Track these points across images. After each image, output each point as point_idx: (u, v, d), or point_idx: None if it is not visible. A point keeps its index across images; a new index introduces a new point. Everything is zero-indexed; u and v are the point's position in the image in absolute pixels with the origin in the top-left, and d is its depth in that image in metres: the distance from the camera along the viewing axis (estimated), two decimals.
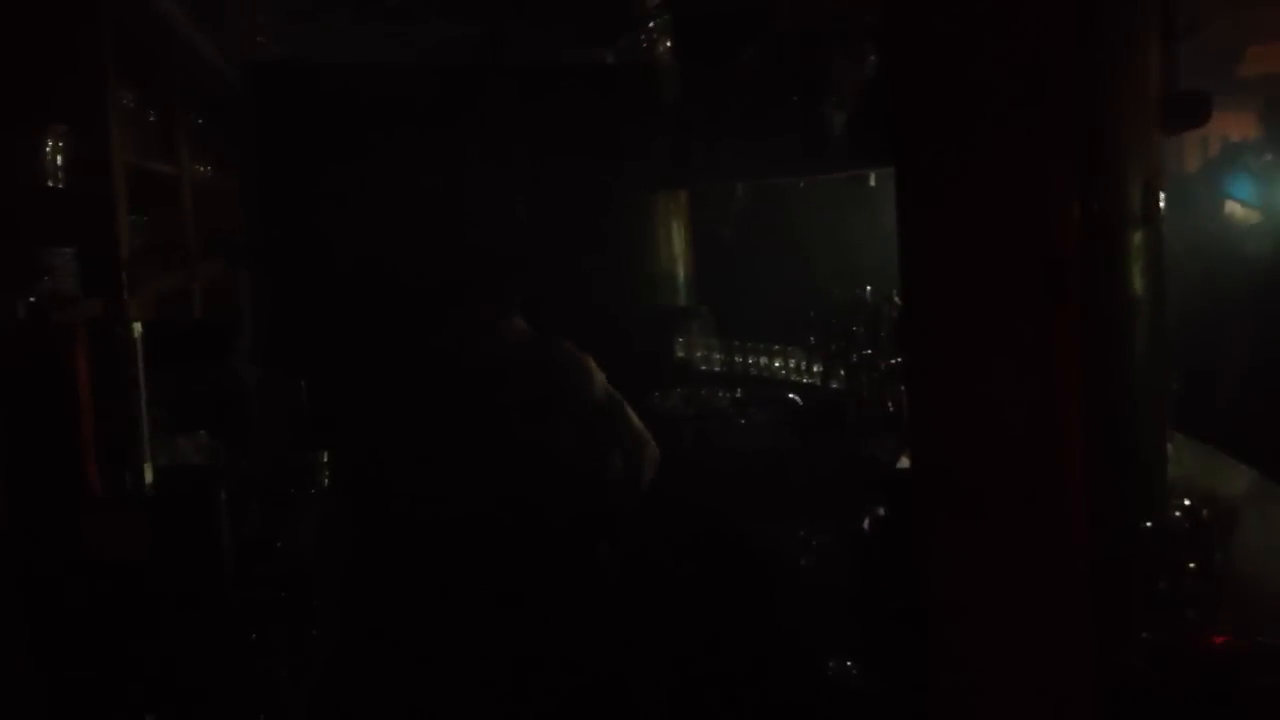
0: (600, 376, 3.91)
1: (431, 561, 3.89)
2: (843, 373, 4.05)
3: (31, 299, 2.40)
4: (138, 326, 2.68)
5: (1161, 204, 2.46)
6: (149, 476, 2.61)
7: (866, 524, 2.88)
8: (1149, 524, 2.41)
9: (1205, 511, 2.48)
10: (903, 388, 3.48)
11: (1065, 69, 1.30)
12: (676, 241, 5.02)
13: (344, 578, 3.68)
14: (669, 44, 4.81)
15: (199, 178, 3.96)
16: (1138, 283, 2.37)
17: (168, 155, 3.55)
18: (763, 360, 4.50)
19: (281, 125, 4.45)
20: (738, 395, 4.45)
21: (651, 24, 4.90)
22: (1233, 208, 4.47)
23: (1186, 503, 2.49)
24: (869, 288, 3.96)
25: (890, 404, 3.78)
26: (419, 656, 3.74)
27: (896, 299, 3.65)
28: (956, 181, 1.35)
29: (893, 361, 3.75)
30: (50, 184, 2.60)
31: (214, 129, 4.23)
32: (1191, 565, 2.39)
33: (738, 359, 4.59)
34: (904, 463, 3.16)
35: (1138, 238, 2.36)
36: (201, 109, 4.06)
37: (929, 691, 1.69)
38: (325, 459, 3.75)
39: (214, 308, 4.05)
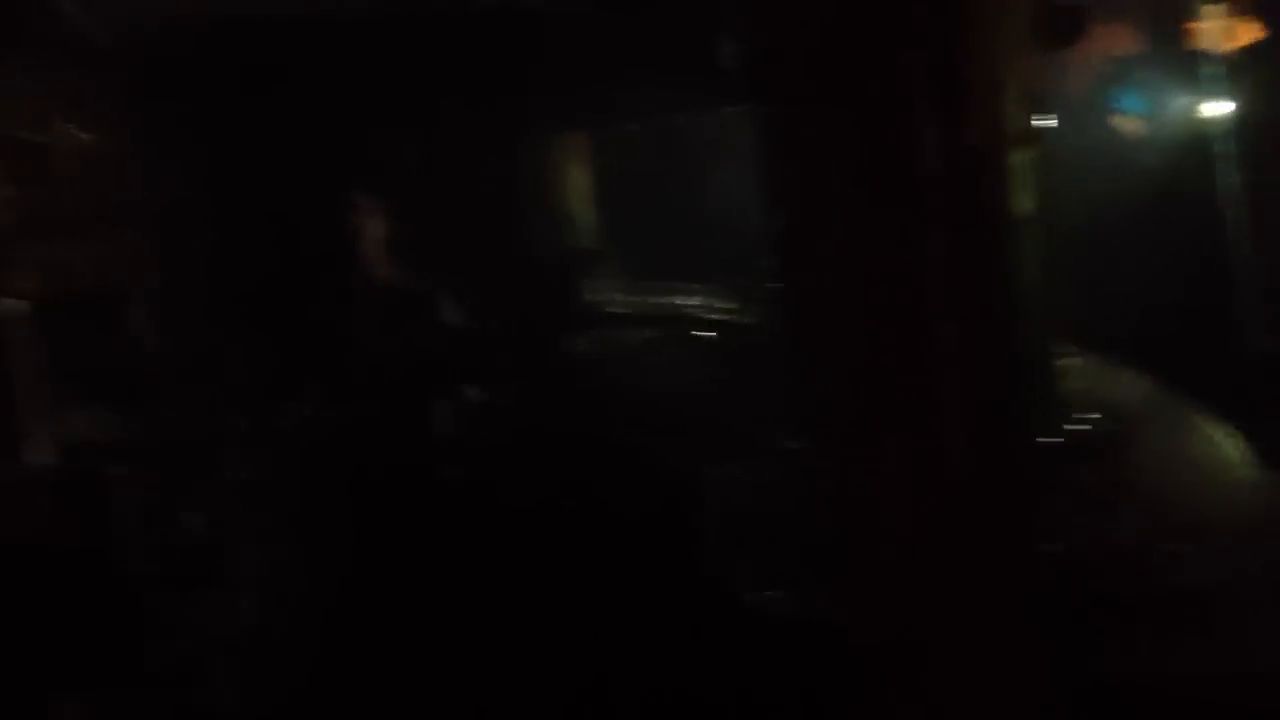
0: None
1: (358, 519, 3.86)
2: (752, 307, 4.06)
3: None
4: (22, 304, 2.61)
5: (1045, 122, 2.49)
6: (47, 457, 2.56)
7: (784, 454, 2.91)
8: (1048, 438, 2.46)
9: (1102, 423, 2.54)
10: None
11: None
12: (582, 183, 4.98)
13: (269, 543, 3.64)
14: None
15: (84, 145, 3.85)
16: (1022, 201, 2.39)
17: (42, 123, 3.44)
18: (672, 299, 4.49)
19: (174, 85, 4.34)
20: (649, 335, 4.45)
21: None
22: (1121, 121, 4.53)
23: (1084, 415, 2.54)
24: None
25: None
26: (347, 617, 3.72)
27: None
28: (818, 112, 1.36)
29: None
30: None
31: (101, 93, 4.10)
32: (1090, 477, 2.45)
33: (648, 299, 4.58)
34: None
35: (1019, 157, 2.38)
36: (85, 73, 3.94)
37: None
38: (242, 424, 3.70)
39: (110, 278, 3.95)
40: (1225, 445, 2.75)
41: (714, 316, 4.27)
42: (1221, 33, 5.33)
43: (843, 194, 1.35)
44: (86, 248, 3.77)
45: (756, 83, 1.44)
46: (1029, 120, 2.40)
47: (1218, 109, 4.04)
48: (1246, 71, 4.07)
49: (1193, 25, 4.55)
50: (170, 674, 2.48)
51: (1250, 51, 4.18)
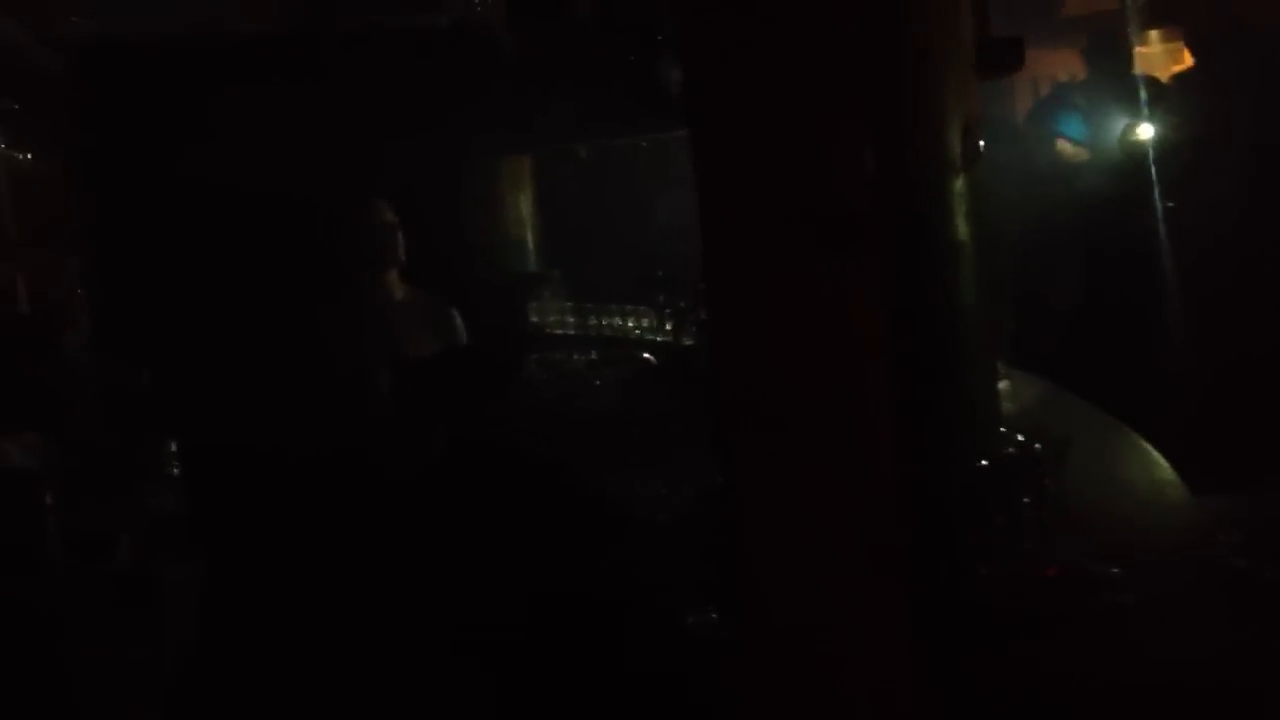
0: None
1: (293, 545, 3.82)
2: (694, 329, 4.07)
3: None
4: None
5: (982, 148, 2.51)
6: None
7: (722, 475, 2.91)
8: (984, 462, 2.48)
9: (1038, 446, 2.55)
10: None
11: (847, 23, 1.31)
12: (524, 206, 4.98)
13: (201, 570, 3.59)
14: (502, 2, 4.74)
15: (16, 165, 3.81)
16: (962, 227, 2.42)
17: None
18: (616, 321, 4.50)
19: (105, 105, 4.29)
20: (593, 357, 4.45)
21: None
22: (1063, 146, 4.60)
23: (1020, 438, 2.56)
24: None
25: None
26: (281, 645, 3.68)
27: None
28: (742, 136, 1.36)
29: None
30: None
31: (32, 114, 4.06)
32: (1025, 500, 2.47)
33: (591, 321, 4.59)
34: None
35: (959, 183, 2.41)
36: (15, 94, 3.90)
37: (739, 613, 1.70)
38: (174, 448, 3.65)
39: (41, 299, 3.90)
40: (1156, 467, 2.79)
41: (658, 338, 4.28)
42: (1162, 59, 5.44)
43: (775, 222, 1.36)
44: (24, 268, 3.72)
45: (690, 107, 1.45)
46: (970, 146, 2.43)
47: (1152, 133, 4.12)
48: (1176, 98, 4.15)
49: (1137, 50, 4.64)
50: (97, 698, 2.44)
51: (1181, 79, 4.26)
